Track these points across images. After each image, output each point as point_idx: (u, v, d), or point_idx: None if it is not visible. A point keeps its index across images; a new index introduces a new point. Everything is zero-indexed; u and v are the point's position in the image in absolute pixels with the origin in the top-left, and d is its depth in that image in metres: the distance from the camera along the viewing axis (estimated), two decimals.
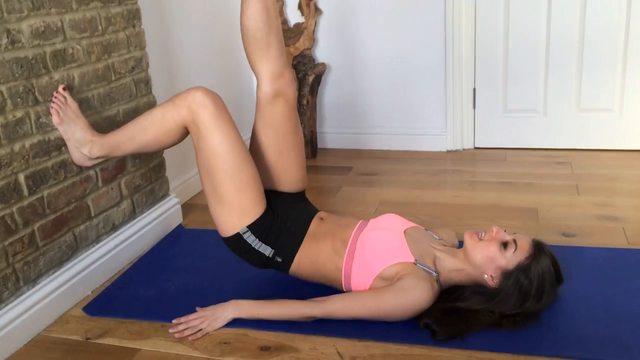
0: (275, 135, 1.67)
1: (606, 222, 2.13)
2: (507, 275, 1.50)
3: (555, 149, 2.94)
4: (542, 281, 1.49)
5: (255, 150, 1.71)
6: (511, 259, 1.50)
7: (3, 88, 1.55)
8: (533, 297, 1.49)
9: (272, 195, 1.70)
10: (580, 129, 2.90)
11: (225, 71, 2.94)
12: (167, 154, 2.28)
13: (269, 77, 1.63)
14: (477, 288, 1.54)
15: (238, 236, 1.62)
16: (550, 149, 2.95)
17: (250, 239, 1.62)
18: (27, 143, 1.63)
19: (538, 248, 1.52)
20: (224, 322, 1.60)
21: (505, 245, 1.51)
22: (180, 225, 2.30)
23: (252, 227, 1.61)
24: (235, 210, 1.60)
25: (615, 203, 2.29)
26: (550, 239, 1.99)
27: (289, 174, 1.71)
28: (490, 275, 1.52)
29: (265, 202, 1.64)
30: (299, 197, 1.77)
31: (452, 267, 1.57)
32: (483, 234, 1.56)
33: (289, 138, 1.68)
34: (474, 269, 1.54)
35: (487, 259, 1.52)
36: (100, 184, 1.92)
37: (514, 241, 1.51)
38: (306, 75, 2.97)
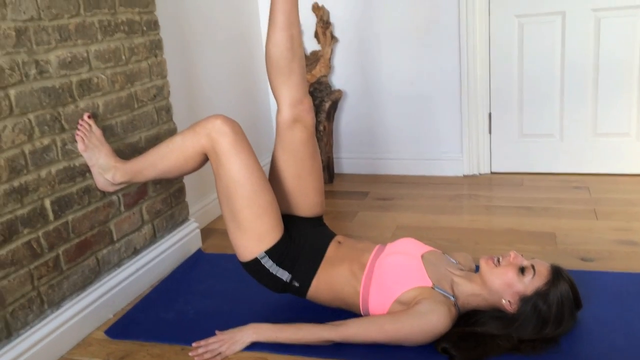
0: (294, 160, 1.70)
1: (625, 247, 2.12)
2: (525, 300, 1.50)
3: (573, 173, 2.94)
4: (561, 307, 1.49)
5: (274, 175, 1.74)
6: (529, 284, 1.50)
7: (31, 116, 1.61)
8: (552, 323, 1.49)
9: (290, 220, 1.73)
10: (597, 154, 2.89)
11: (243, 99, 3.00)
12: (186, 179, 2.33)
13: (289, 103, 1.68)
14: (495, 313, 1.54)
15: (256, 261, 1.65)
16: (567, 173, 2.95)
17: (268, 263, 1.64)
18: (53, 169, 1.69)
19: (557, 273, 1.52)
20: (243, 346, 1.61)
21: (523, 270, 1.51)
22: (199, 250, 2.34)
23: (270, 252, 1.64)
24: (253, 236, 1.63)
25: (633, 228, 2.28)
26: (569, 263, 1.99)
27: (307, 199, 1.74)
28: (508, 301, 1.52)
29: (282, 227, 1.66)
30: (317, 222, 1.80)
31: (470, 291, 1.57)
32: (500, 259, 1.56)
33: (307, 163, 1.71)
34: (492, 294, 1.54)
35: (504, 284, 1.52)
36: (122, 209, 1.96)
37: (532, 266, 1.51)
38: (323, 102, 3.02)
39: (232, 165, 1.59)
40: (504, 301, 1.52)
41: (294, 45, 1.65)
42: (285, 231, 1.67)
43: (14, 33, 1.54)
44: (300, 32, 1.68)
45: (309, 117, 1.70)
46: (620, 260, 2.03)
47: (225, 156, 1.59)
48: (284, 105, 1.69)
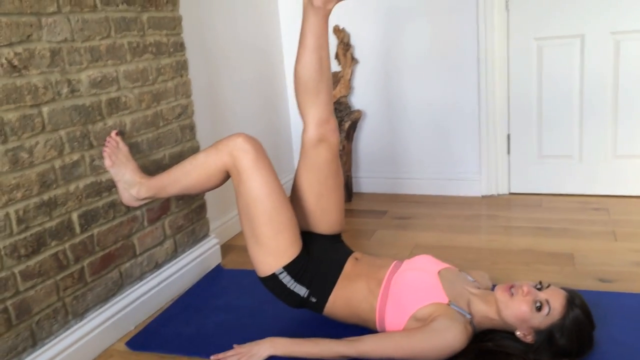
0: (317, 178, 1.74)
1: None
2: (539, 332, 1.50)
3: (592, 195, 2.93)
4: (578, 337, 1.49)
5: (296, 193, 1.78)
6: (544, 320, 1.49)
7: (62, 133, 1.68)
8: (571, 353, 1.49)
9: (309, 237, 1.76)
10: (616, 176, 2.89)
11: (265, 118, 3.06)
12: (208, 196, 2.38)
13: (315, 122, 1.72)
14: (511, 335, 1.55)
15: (274, 276, 1.68)
16: (586, 195, 2.94)
17: (286, 279, 1.68)
18: (81, 184, 1.75)
19: (570, 303, 1.50)
20: (260, 359, 1.64)
21: (539, 308, 1.49)
22: (219, 265, 2.38)
23: (288, 268, 1.67)
24: (272, 252, 1.66)
25: None
26: (587, 284, 1.98)
27: (328, 217, 1.77)
28: (523, 333, 1.52)
29: (301, 244, 1.70)
30: (335, 239, 1.83)
31: (485, 313, 1.57)
32: (513, 290, 1.54)
33: (330, 182, 1.75)
34: (506, 324, 1.54)
35: (519, 319, 1.51)
36: (145, 223, 2.02)
37: (547, 302, 1.49)
38: (342, 122, 3.06)
39: (253, 183, 1.64)
40: (518, 333, 1.52)
41: (322, 66, 1.70)
42: (304, 247, 1.71)
43: (48, 54, 1.62)
44: (328, 54, 1.73)
45: (334, 137, 1.74)
46: (639, 282, 2.02)
47: (246, 173, 1.64)
48: (310, 124, 1.73)
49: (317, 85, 1.71)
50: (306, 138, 1.74)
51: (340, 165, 1.81)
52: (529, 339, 1.51)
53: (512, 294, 1.53)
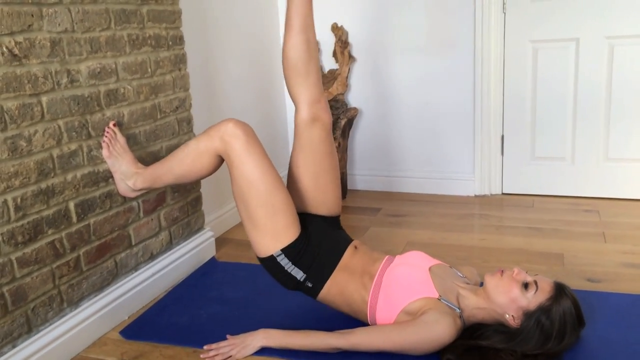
0: (312, 158, 1.76)
1: (632, 270, 2.15)
2: (528, 315, 1.53)
3: (583, 197, 2.97)
4: (564, 323, 1.52)
5: (292, 175, 1.80)
6: (532, 299, 1.53)
7: (60, 122, 1.69)
8: (555, 339, 1.52)
9: (308, 219, 1.77)
10: (608, 178, 2.92)
11: (262, 112, 3.08)
12: (203, 189, 2.40)
13: (307, 102, 1.74)
14: (499, 327, 1.58)
15: (272, 258, 1.70)
16: (578, 196, 2.98)
17: (284, 262, 1.69)
18: (79, 173, 1.77)
19: (559, 290, 1.55)
20: (253, 350, 1.66)
21: (526, 286, 1.55)
22: (213, 258, 2.40)
23: (286, 251, 1.68)
24: (269, 234, 1.68)
25: None
26: (575, 284, 2.01)
27: (325, 197, 1.79)
28: (512, 316, 1.55)
29: (299, 227, 1.71)
30: (335, 224, 1.84)
31: (475, 305, 1.61)
32: (503, 272, 1.60)
33: (325, 161, 1.77)
34: (496, 308, 1.58)
35: (508, 299, 1.55)
36: (141, 214, 2.03)
37: (535, 282, 1.55)
38: (339, 119, 3.09)
39: (245, 166, 1.65)
40: (507, 316, 1.55)
41: (310, 47, 1.73)
42: (303, 230, 1.72)
43: (48, 44, 1.63)
44: (315, 35, 1.75)
45: (326, 116, 1.76)
46: (626, 282, 2.05)
47: (238, 158, 1.66)
48: (302, 104, 1.75)
49: (306, 66, 1.73)
50: (299, 119, 1.75)
51: (334, 144, 1.82)
52: (517, 322, 1.54)
53: (501, 279, 1.58)
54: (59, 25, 1.66)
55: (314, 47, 1.74)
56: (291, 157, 1.81)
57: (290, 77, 1.76)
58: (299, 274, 1.71)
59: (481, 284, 1.78)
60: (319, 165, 1.76)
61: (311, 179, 1.77)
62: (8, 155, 1.53)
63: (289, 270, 1.70)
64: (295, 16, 1.71)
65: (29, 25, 1.57)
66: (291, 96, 1.78)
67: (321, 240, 1.74)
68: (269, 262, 1.72)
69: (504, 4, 2.88)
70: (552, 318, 1.51)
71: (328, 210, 1.81)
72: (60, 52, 1.67)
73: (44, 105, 1.63)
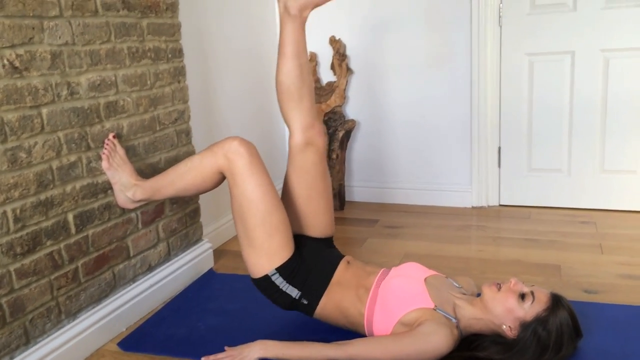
0: (305, 181, 1.78)
1: (629, 281, 2.16)
2: (525, 326, 1.54)
3: (580, 208, 2.98)
4: (561, 333, 1.53)
5: (286, 196, 1.82)
6: (529, 310, 1.54)
7: (60, 134, 1.70)
8: (552, 350, 1.52)
9: (301, 240, 1.79)
10: (604, 190, 2.94)
11: (259, 125, 3.10)
12: (202, 201, 2.41)
13: (300, 127, 1.77)
14: (496, 338, 1.59)
15: (267, 277, 1.71)
16: (575, 208, 2.99)
17: (278, 280, 1.71)
18: (78, 185, 1.77)
19: (556, 301, 1.56)
20: None
21: (523, 296, 1.56)
22: (211, 270, 2.40)
23: (281, 270, 1.70)
24: (265, 253, 1.69)
25: (638, 263, 2.31)
26: (572, 295, 2.02)
27: (317, 219, 1.81)
28: (509, 326, 1.56)
29: (293, 246, 1.73)
30: (327, 243, 1.86)
31: (472, 315, 1.62)
32: (501, 285, 1.61)
33: (318, 184, 1.79)
34: (493, 319, 1.58)
35: (505, 310, 1.56)
36: (140, 226, 2.04)
37: (532, 293, 1.56)
38: (336, 131, 3.10)
39: (247, 185, 1.67)
40: (504, 327, 1.56)
41: (303, 73, 1.75)
42: (297, 249, 1.74)
43: (49, 56, 1.65)
44: (307, 61, 1.78)
45: (320, 140, 1.78)
46: (623, 293, 2.06)
47: (240, 176, 1.67)
48: (296, 129, 1.78)
49: (299, 91, 1.76)
50: (293, 143, 1.78)
51: (327, 168, 1.84)
52: (514, 333, 1.54)
53: (499, 288, 1.59)
54: (60, 38, 1.68)
55: (307, 72, 1.77)
56: (285, 179, 1.84)
57: (284, 101, 1.79)
58: (294, 292, 1.72)
59: (478, 295, 1.79)
60: (312, 188, 1.79)
61: (304, 201, 1.79)
62: (8, 166, 1.54)
63: (283, 289, 1.71)
64: (288, 43, 1.75)
65: (30, 38, 1.59)
66: (285, 120, 1.81)
67: (314, 258, 1.76)
68: (264, 282, 1.73)
69: (499, 17, 2.92)
70: (549, 329, 1.52)
71: (321, 231, 1.83)
72: (60, 65, 1.69)
73: (44, 117, 1.64)
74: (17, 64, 1.55)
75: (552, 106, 2.94)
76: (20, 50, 1.56)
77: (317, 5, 1.76)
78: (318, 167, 1.78)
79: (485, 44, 2.93)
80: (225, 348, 1.71)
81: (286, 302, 1.75)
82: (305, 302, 1.73)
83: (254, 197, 1.67)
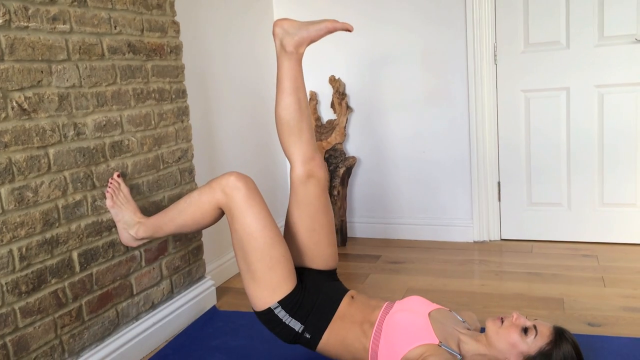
0: (308, 214, 1.80)
1: (632, 314, 2.15)
2: None
3: (581, 242, 2.99)
4: None
5: (289, 229, 1.83)
6: (532, 344, 1.54)
7: (66, 174, 1.74)
8: None
9: (304, 272, 1.80)
10: (604, 223, 2.95)
11: (262, 163, 3.14)
12: (204, 238, 2.42)
13: (301, 160, 1.80)
14: None
15: (269, 311, 1.71)
16: (576, 242, 3.00)
17: (281, 314, 1.71)
18: (83, 223, 1.80)
19: (559, 334, 1.56)
20: None
21: (525, 331, 1.55)
22: (214, 307, 2.40)
23: (283, 303, 1.70)
24: (267, 286, 1.70)
25: None
26: (576, 328, 2.02)
27: (320, 251, 1.82)
28: None
29: (295, 279, 1.74)
30: (331, 276, 1.87)
31: (475, 351, 1.61)
32: (504, 320, 1.61)
33: (320, 216, 1.81)
34: (497, 354, 1.58)
35: (508, 344, 1.56)
36: (143, 263, 2.05)
37: (534, 327, 1.56)
38: (337, 168, 3.14)
39: (245, 219, 1.69)
40: None
41: (301, 107, 1.80)
42: (300, 282, 1.74)
43: (57, 98, 1.70)
44: (305, 95, 1.83)
45: (321, 172, 1.81)
46: (626, 326, 2.05)
47: (239, 210, 1.70)
48: (296, 162, 1.81)
49: (298, 124, 1.80)
50: (294, 176, 1.81)
51: (329, 200, 1.86)
52: None
53: (502, 322, 1.59)
54: (67, 80, 1.73)
55: (305, 107, 1.82)
56: (287, 212, 1.86)
57: (284, 135, 1.83)
58: (296, 326, 1.72)
59: (482, 330, 1.79)
60: (314, 220, 1.81)
61: (307, 234, 1.81)
62: (15, 205, 1.57)
63: (286, 322, 1.72)
64: (286, 78, 1.80)
65: (39, 81, 1.64)
66: (286, 154, 1.84)
67: (318, 291, 1.76)
68: (267, 316, 1.73)
69: (495, 55, 2.99)
70: None
71: (324, 264, 1.84)
72: (67, 106, 1.73)
73: (51, 157, 1.68)
74: (25, 106, 1.60)
75: (549, 141, 2.98)
76: (29, 93, 1.61)
77: (312, 41, 1.81)
78: (320, 199, 1.81)
79: (481, 81, 2.99)
80: None
81: (289, 335, 1.74)
82: (308, 335, 1.73)
83: (253, 229, 1.69)
